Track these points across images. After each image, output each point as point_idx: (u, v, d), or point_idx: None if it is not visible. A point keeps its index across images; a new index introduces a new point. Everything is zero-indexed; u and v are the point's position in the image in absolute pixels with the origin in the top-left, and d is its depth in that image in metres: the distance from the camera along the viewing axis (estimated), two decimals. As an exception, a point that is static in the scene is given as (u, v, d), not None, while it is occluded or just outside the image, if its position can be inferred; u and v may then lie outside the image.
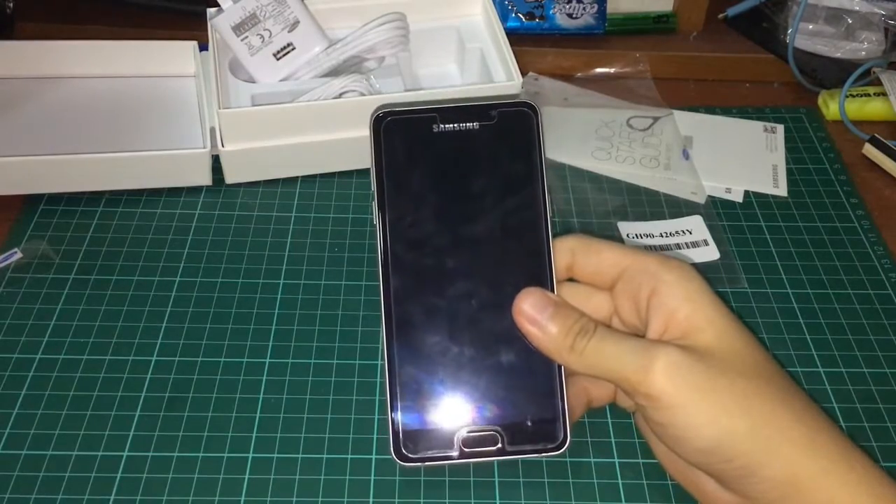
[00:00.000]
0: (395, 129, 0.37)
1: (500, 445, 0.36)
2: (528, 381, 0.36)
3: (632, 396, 0.34)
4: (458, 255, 0.37)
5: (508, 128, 0.37)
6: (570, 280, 0.38)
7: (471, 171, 0.37)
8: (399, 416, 0.36)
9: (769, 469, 0.32)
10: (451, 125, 0.37)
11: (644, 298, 0.35)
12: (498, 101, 0.37)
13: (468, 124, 0.37)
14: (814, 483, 0.32)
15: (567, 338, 0.34)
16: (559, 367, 0.36)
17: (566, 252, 0.37)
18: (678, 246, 0.53)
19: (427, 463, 0.36)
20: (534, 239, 0.37)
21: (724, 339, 0.34)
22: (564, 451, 0.36)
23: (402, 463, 0.36)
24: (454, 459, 0.36)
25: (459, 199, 0.37)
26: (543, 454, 0.36)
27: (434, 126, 0.37)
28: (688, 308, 0.34)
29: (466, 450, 0.36)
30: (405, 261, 0.36)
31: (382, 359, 0.37)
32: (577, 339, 0.34)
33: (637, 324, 0.37)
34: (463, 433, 0.36)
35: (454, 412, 0.36)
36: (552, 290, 0.36)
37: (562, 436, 0.36)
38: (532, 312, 0.35)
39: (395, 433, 0.36)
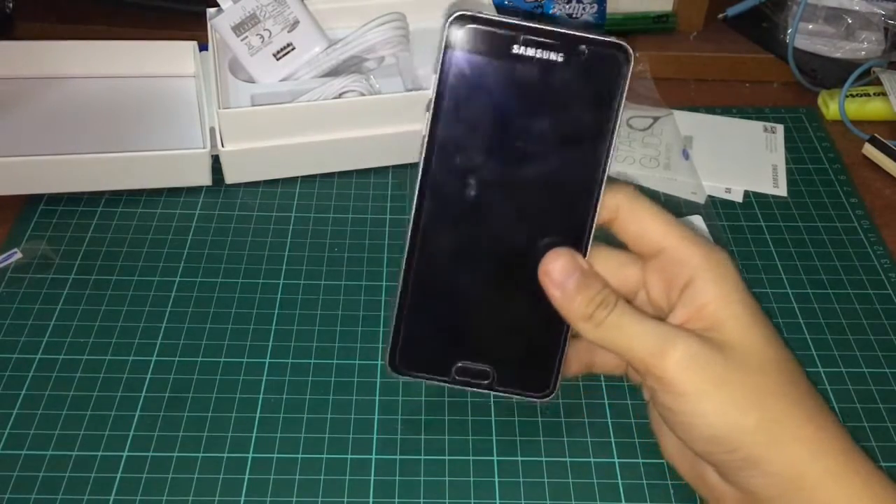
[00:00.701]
0: (470, 38, 0.33)
1: (489, 381, 0.37)
2: (534, 331, 0.36)
3: (642, 376, 0.34)
4: (500, 190, 0.34)
5: (595, 68, 0.33)
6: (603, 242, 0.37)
7: (540, 106, 0.34)
8: (402, 330, 0.36)
9: (772, 464, 0.32)
10: (534, 50, 0.33)
11: (678, 287, 0.35)
12: (592, 37, 0.33)
13: (552, 54, 0.33)
14: (816, 483, 0.32)
15: (588, 307, 0.34)
16: (568, 326, 0.36)
17: (610, 207, 0.36)
18: (678, 246, 0.53)
19: (417, 378, 0.37)
20: (582, 196, 0.34)
21: (745, 336, 0.34)
22: (547, 401, 0.37)
23: (393, 373, 0.37)
24: (444, 382, 0.37)
25: (519, 132, 0.34)
26: (527, 399, 0.38)
27: (514, 46, 0.33)
28: (717, 304, 0.34)
29: (458, 377, 0.37)
30: (443, 183, 0.34)
31: (400, 269, 0.36)
32: (597, 310, 0.34)
33: (663, 306, 0.36)
34: (458, 363, 0.36)
35: (455, 342, 0.36)
36: (584, 252, 0.35)
37: (549, 387, 0.37)
38: (558, 276, 0.34)
39: (394, 344, 0.36)
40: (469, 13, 0.33)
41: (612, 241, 0.37)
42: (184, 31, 0.64)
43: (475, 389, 0.38)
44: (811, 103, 0.66)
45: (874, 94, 0.64)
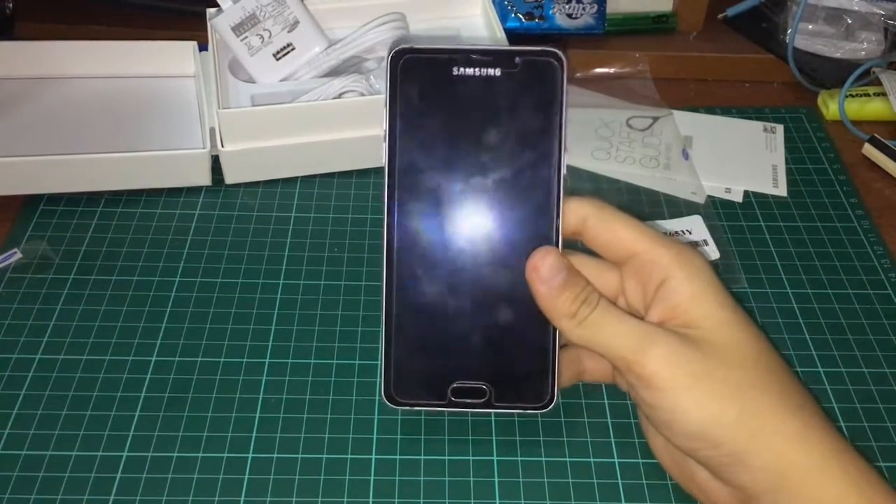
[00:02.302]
0: (413, 67, 0.35)
1: (487, 398, 0.37)
2: (522, 341, 0.37)
3: (624, 374, 0.35)
4: (465, 205, 0.36)
5: (531, 77, 0.35)
6: (573, 249, 0.38)
7: (487, 119, 0.35)
8: (392, 361, 0.37)
9: (757, 459, 0.32)
10: (472, 69, 0.35)
11: (651, 288, 0.35)
12: (523, 48, 0.35)
13: (489, 70, 0.35)
14: (803, 478, 0.32)
15: (572, 305, 0.34)
16: (554, 330, 0.37)
17: (577, 217, 0.36)
18: (678, 246, 0.53)
19: (415, 407, 0.38)
20: (544, 198, 0.36)
21: (722, 332, 0.34)
22: (548, 410, 0.38)
23: (392, 406, 0.37)
24: (442, 407, 0.38)
25: (472, 148, 0.35)
26: (528, 412, 0.38)
27: (454, 68, 0.35)
28: (690, 302, 0.34)
29: (455, 399, 0.37)
30: (410, 206, 0.36)
31: (381, 304, 0.37)
32: (581, 308, 0.34)
33: (640, 308, 0.37)
34: (453, 384, 0.37)
35: (447, 363, 0.37)
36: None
37: (548, 397, 0.37)
38: (546, 273, 0.35)
39: (388, 376, 0.37)
40: (407, 46, 0.35)
41: (588, 252, 0.38)
42: (184, 31, 0.64)
43: (475, 410, 0.38)
44: (811, 103, 0.66)
45: (874, 94, 0.64)
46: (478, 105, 0.35)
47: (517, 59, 0.35)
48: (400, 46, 0.35)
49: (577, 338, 0.35)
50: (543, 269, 0.35)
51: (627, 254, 0.36)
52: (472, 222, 0.36)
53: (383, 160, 0.36)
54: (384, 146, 0.36)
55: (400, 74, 0.35)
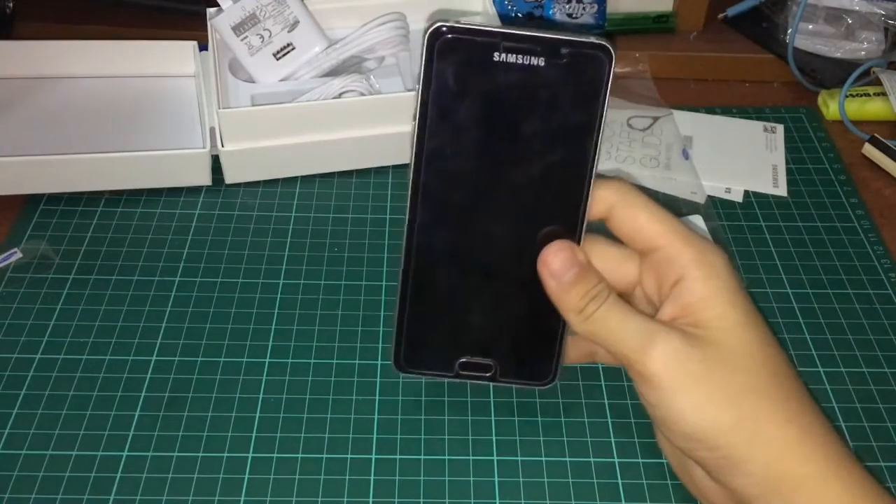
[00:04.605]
0: (451, 48, 0.33)
1: (491, 373, 0.38)
2: (533, 325, 0.37)
3: (627, 370, 0.35)
4: (492, 192, 0.35)
5: (577, 71, 0.33)
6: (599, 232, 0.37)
7: (524, 109, 0.34)
8: (404, 331, 0.37)
9: (751, 464, 0.32)
10: (515, 56, 0.33)
11: (667, 285, 0.35)
12: (571, 38, 0.33)
13: (533, 59, 0.33)
14: (797, 486, 0.32)
15: (581, 301, 0.35)
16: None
17: (604, 205, 0.36)
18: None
19: (422, 376, 0.39)
20: (573, 191, 0.35)
21: (730, 335, 0.34)
22: (549, 387, 0.38)
23: (399, 372, 0.38)
24: (448, 378, 0.38)
25: (505, 137, 0.34)
26: (530, 387, 0.39)
27: (495, 53, 0.32)
28: (704, 303, 0.34)
29: (461, 372, 0.38)
30: (435, 187, 0.35)
31: (398, 275, 0.37)
32: (588, 304, 0.35)
33: (655, 301, 0.37)
34: (461, 359, 0.37)
35: (456, 339, 0.37)
36: (578, 244, 0.36)
37: (551, 375, 0.38)
38: (558, 268, 0.35)
39: (398, 345, 0.37)
40: (448, 23, 0.32)
41: (612, 234, 0.38)
42: (184, 31, 0.64)
43: (478, 382, 0.39)
44: (811, 103, 0.66)
45: (874, 94, 0.64)
46: (517, 94, 0.33)
47: (564, 50, 0.32)
48: (438, 23, 0.32)
49: (583, 332, 0.35)
50: (554, 265, 0.35)
51: (649, 246, 0.36)
52: (498, 208, 0.35)
53: (411, 139, 0.34)
54: (413, 123, 0.34)
55: (437, 55, 0.33)
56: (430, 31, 0.32)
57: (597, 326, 0.35)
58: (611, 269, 0.36)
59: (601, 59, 0.33)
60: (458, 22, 0.32)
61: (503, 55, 0.33)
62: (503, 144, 0.34)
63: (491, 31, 0.32)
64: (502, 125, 0.34)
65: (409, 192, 0.35)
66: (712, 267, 0.35)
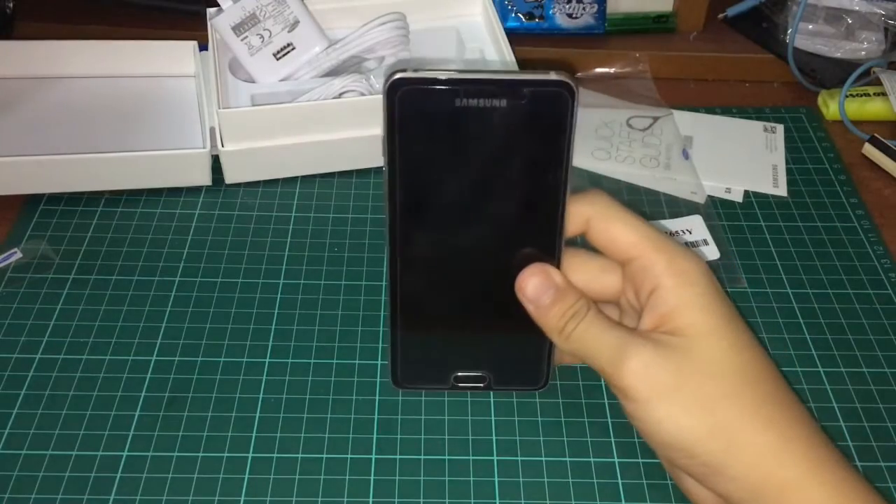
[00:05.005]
0: (412, 99, 0.33)
1: (486, 383, 0.39)
2: (520, 336, 0.38)
3: (607, 383, 0.35)
4: (468, 226, 0.36)
5: (540, 108, 0.33)
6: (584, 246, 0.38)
7: (492, 150, 0.34)
8: (398, 350, 0.38)
9: (732, 470, 0.33)
10: (477, 100, 0.33)
11: (644, 294, 0.35)
12: (531, 78, 0.33)
13: (495, 101, 0.33)
14: (780, 490, 0.32)
15: (560, 320, 0.35)
16: None
17: (581, 219, 0.36)
18: (678, 246, 0.53)
19: (420, 389, 0.41)
20: (548, 217, 0.35)
21: (705, 342, 0.34)
22: (543, 390, 0.39)
23: (397, 388, 0.39)
24: (444, 390, 0.39)
25: (476, 176, 0.34)
26: (524, 391, 0.41)
27: (456, 100, 0.33)
28: (677, 311, 0.34)
29: (457, 384, 0.39)
30: (411, 231, 0.35)
31: (387, 307, 0.38)
32: (568, 323, 0.35)
33: (639, 311, 0.37)
34: (455, 373, 0.38)
35: (449, 356, 0.38)
36: (557, 264, 0.36)
37: (543, 379, 0.39)
38: (532, 294, 0.35)
39: (394, 362, 0.38)
40: (407, 74, 0.33)
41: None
42: (184, 31, 0.64)
43: (474, 391, 0.41)
44: (811, 103, 0.66)
45: (874, 94, 0.64)
46: (482, 135, 0.34)
47: (525, 91, 0.33)
48: (397, 74, 0.33)
49: (567, 350, 0.36)
50: (528, 290, 0.35)
51: (625, 257, 0.36)
52: (476, 239, 0.36)
53: (384, 185, 0.35)
54: (384, 171, 0.35)
55: (397, 106, 0.33)
56: (389, 82, 0.33)
57: (578, 345, 0.35)
58: (592, 279, 0.37)
59: (563, 96, 0.33)
60: (416, 71, 0.33)
61: (464, 100, 0.33)
62: (475, 183, 0.35)
63: (450, 80, 0.32)
64: (472, 165, 0.34)
65: (387, 236, 0.35)
66: (684, 274, 0.35)
